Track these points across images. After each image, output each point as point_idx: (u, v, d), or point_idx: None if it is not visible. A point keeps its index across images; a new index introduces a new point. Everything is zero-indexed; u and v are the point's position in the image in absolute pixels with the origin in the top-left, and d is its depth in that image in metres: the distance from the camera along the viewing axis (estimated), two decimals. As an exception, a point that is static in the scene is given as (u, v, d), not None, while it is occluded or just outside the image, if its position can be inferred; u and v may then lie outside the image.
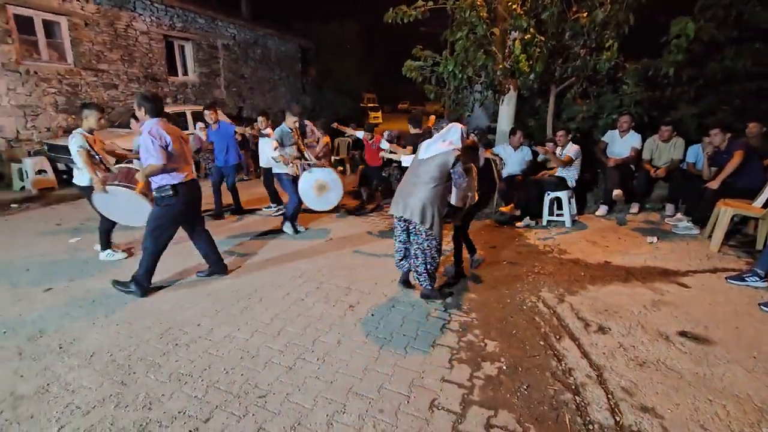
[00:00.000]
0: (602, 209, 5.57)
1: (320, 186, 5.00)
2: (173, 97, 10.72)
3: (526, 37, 5.16)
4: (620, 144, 5.63)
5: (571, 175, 5.20)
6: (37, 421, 2.05)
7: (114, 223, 4.09)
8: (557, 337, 2.83)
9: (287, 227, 5.00)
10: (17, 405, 2.17)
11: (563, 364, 2.53)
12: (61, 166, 7.18)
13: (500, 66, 5.59)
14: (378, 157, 6.17)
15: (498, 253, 4.44)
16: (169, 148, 3.17)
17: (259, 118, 6.01)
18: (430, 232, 3.09)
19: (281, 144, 4.72)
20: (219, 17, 12.17)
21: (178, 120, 8.37)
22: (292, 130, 4.84)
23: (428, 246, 3.15)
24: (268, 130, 5.75)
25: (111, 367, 2.49)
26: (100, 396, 2.24)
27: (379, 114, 26.05)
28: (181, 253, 4.21)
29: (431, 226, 3.06)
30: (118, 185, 3.63)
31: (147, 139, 3.10)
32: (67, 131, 4.14)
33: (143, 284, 3.38)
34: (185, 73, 11.51)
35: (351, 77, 18.71)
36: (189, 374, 2.43)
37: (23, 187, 6.96)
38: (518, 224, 5.33)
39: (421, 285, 3.33)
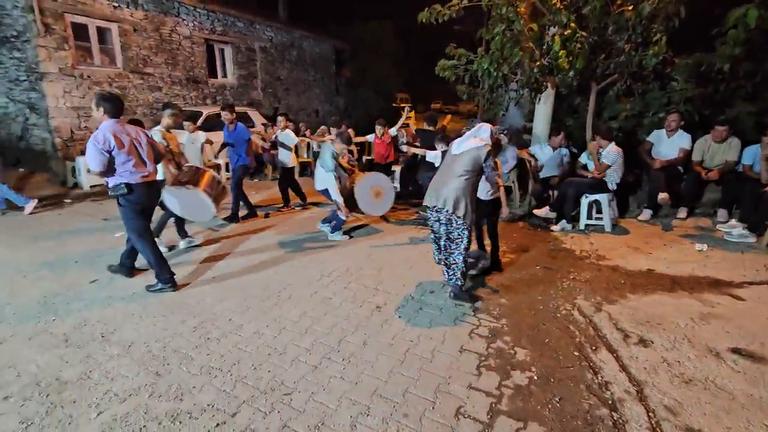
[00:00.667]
0: (646, 213, 5.26)
1: (377, 192, 5.02)
2: (212, 99, 11.12)
3: (565, 33, 4.95)
4: (667, 144, 5.28)
5: (612, 177, 4.94)
6: (78, 406, 2.17)
7: (169, 216, 4.35)
8: (593, 348, 2.69)
9: (337, 235, 4.91)
10: (62, 389, 2.29)
11: (600, 378, 2.39)
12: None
13: (538, 63, 5.39)
14: (385, 154, 6.65)
15: (531, 257, 4.29)
16: (113, 152, 3.20)
17: (279, 118, 6.14)
18: (463, 221, 3.15)
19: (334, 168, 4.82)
20: (257, 20, 12.50)
21: (216, 121, 8.66)
22: (339, 155, 4.87)
23: (459, 235, 3.22)
24: (287, 133, 5.95)
25: (147, 357, 2.60)
26: (136, 385, 2.34)
27: (412, 114, 25.92)
28: (214, 250, 4.34)
29: (464, 215, 3.13)
30: (179, 187, 3.89)
31: (90, 143, 3.15)
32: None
33: (162, 274, 3.49)
34: (224, 75, 11.91)
35: (385, 77, 18.70)
36: (219, 368, 2.49)
37: (76, 184, 7.43)
38: (553, 227, 5.13)
39: (450, 281, 3.33)
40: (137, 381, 2.37)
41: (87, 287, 3.57)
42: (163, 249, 4.37)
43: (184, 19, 10.04)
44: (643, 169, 5.65)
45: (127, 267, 3.78)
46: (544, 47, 5.46)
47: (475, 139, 3.26)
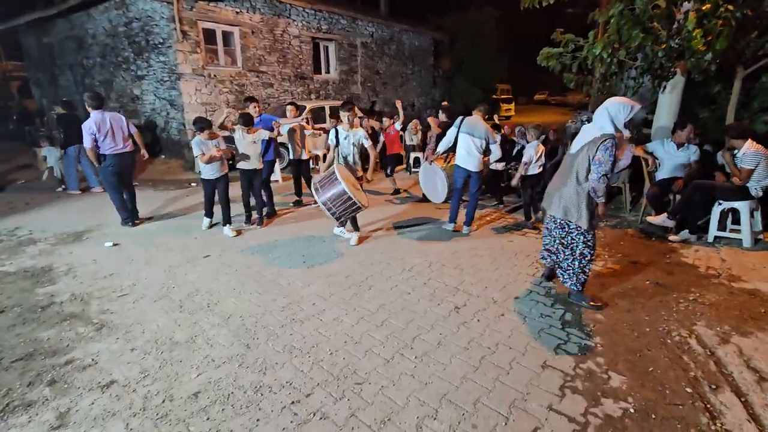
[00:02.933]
0: (805, 228, 4.23)
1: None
2: (317, 93, 11.85)
3: (704, 8, 4.16)
4: None
5: (756, 181, 4.05)
6: (183, 365, 2.50)
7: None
8: (713, 386, 2.25)
9: (467, 230, 4.85)
10: (173, 348, 2.67)
11: (718, 424, 1.99)
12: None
13: (664, 46, 4.64)
14: (395, 146, 7.10)
15: (639, 269, 3.76)
16: (97, 135, 4.72)
17: (288, 107, 5.91)
18: (579, 227, 2.96)
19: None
20: (359, 17, 12.93)
21: (320, 114, 9.21)
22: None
23: (573, 240, 3.03)
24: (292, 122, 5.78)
25: (241, 330, 2.88)
26: (229, 354, 2.61)
27: (512, 106, 24.55)
28: (308, 235, 4.63)
29: (578, 219, 2.91)
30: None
31: (83, 128, 4.71)
32: (235, 124, 4.89)
33: (121, 214, 5.09)
34: (327, 71, 12.59)
35: (485, 67, 17.95)
36: (299, 349, 2.66)
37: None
38: (672, 237, 4.42)
39: (564, 284, 3.16)
40: (231, 350, 2.64)
41: (201, 261, 4.09)
42: (351, 236, 4.59)
43: (294, 20, 10.82)
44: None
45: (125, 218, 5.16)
46: (674, 26, 4.67)
47: (595, 129, 2.84)
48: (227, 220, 4.88)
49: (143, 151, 5.45)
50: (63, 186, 7.03)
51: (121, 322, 2.98)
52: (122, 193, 5.07)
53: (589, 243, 2.99)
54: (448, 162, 5.12)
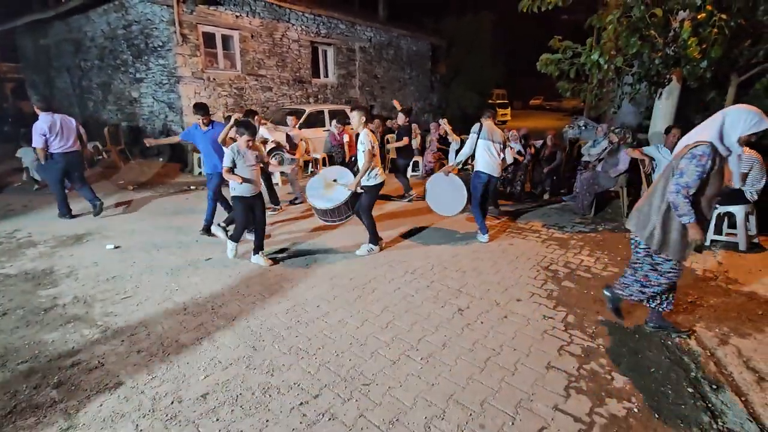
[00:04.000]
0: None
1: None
2: (315, 97, 11.89)
3: (699, 17, 4.26)
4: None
5: (750, 186, 4.15)
6: (191, 367, 2.50)
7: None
8: (714, 386, 2.30)
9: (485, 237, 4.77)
10: (179, 351, 2.67)
11: (720, 423, 2.04)
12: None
13: (660, 53, 4.74)
14: (352, 149, 6.96)
15: (639, 273, 3.81)
16: (48, 136, 5.09)
17: (289, 118, 6.47)
18: (659, 253, 2.51)
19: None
20: (358, 21, 13.02)
21: (318, 117, 9.25)
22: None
23: (652, 266, 2.59)
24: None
25: (246, 332, 2.89)
26: (236, 355, 2.62)
27: (508, 111, 24.76)
28: (311, 238, 4.64)
29: (660, 245, 2.46)
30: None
31: (35, 127, 5.06)
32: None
33: (64, 212, 5.51)
34: (326, 75, 12.64)
35: (482, 72, 18.09)
36: (306, 350, 2.67)
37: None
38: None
39: (651, 306, 2.78)
40: (237, 352, 2.65)
41: (203, 264, 4.10)
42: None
43: (293, 24, 10.87)
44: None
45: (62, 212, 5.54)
46: (670, 35, 4.78)
47: (693, 134, 2.40)
48: (260, 246, 4.11)
49: (88, 149, 6.11)
50: (37, 186, 7.15)
51: (126, 324, 2.98)
52: (64, 189, 5.54)
53: (673, 271, 2.55)
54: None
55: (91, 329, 2.91)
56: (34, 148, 5.45)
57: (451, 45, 17.48)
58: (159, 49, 8.96)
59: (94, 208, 5.58)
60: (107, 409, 2.15)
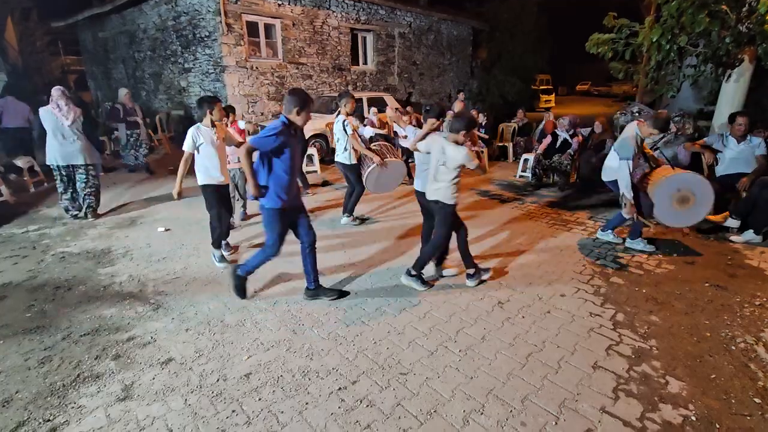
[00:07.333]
0: None
1: (683, 198, 3.65)
2: (354, 85, 11.89)
3: (782, -11, 3.82)
4: None
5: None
6: (235, 347, 2.60)
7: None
8: (785, 398, 2.10)
9: (639, 243, 4.00)
10: (224, 331, 2.78)
11: (792, 438, 1.86)
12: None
13: (731, 31, 4.30)
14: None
15: (697, 270, 3.54)
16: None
17: (372, 109, 6.56)
18: None
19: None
20: (398, 6, 12.79)
21: (357, 105, 9.22)
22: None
23: None
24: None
25: (287, 316, 2.96)
26: (277, 338, 2.69)
27: (552, 97, 23.67)
28: (352, 226, 4.67)
29: None
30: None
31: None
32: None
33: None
34: (365, 62, 12.59)
35: (525, 57, 17.32)
36: (344, 337, 2.70)
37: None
38: (734, 238, 4.14)
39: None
40: (278, 335, 2.72)
41: (247, 249, 4.23)
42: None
43: (333, 11, 10.85)
44: None
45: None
46: (744, 10, 4.32)
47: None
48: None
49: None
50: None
51: (176, 303, 3.14)
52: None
53: None
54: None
55: (145, 306, 3.09)
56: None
57: (494, 29, 16.83)
58: (205, 39, 9.25)
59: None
60: (159, 383, 2.28)
